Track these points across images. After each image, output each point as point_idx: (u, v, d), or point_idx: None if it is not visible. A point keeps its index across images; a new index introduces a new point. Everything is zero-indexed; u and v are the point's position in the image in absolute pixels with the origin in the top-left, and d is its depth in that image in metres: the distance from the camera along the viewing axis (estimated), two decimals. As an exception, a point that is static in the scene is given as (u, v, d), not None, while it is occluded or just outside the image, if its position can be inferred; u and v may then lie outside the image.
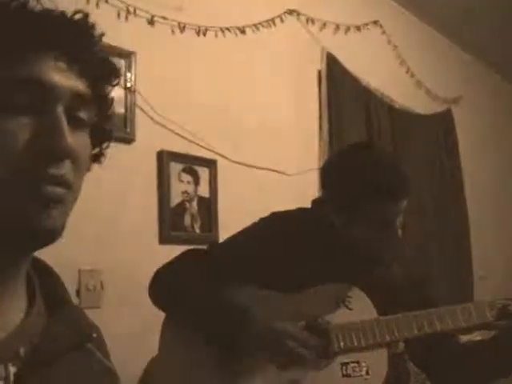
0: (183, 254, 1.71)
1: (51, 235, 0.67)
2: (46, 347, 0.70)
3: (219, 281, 1.63)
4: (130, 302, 2.24)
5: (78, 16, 0.70)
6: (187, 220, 2.50)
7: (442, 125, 4.26)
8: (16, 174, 0.64)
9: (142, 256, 2.32)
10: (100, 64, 0.73)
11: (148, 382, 2.21)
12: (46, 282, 0.77)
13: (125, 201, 2.36)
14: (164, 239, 2.41)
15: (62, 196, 0.66)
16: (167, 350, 1.62)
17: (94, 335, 0.80)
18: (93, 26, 0.72)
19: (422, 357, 1.74)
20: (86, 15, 0.71)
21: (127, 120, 2.33)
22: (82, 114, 0.70)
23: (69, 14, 0.70)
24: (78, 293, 2.15)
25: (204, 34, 2.69)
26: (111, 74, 0.75)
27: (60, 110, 0.67)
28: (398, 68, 3.99)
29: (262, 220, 1.73)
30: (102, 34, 0.73)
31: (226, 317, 1.53)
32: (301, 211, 1.76)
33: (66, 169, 0.66)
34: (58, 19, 0.69)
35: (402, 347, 1.78)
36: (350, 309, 1.60)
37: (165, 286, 1.64)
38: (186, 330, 1.61)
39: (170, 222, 2.43)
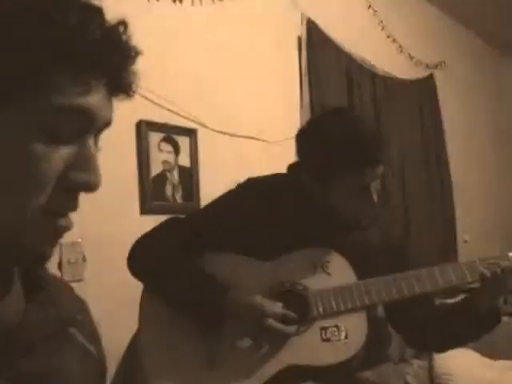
0: (161, 224, 1.70)
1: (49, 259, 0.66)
2: (22, 336, 0.67)
3: (197, 249, 1.63)
4: (112, 274, 2.23)
5: (122, 30, 0.67)
6: (168, 190, 2.49)
7: (424, 90, 4.25)
8: (44, 205, 0.61)
9: (123, 227, 2.30)
10: (132, 82, 0.71)
11: (132, 356, 2.21)
12: None
13: (104, 172, 2.31)
14: (145, 209, 2.40)
15: (71, 225, 0.66)
16: (147, 322, 1.62)
17: (79, 317, 0.78)
18: (133, 43, 0.69)
19: (398, 320, 1.75)
20: (126, 26, 0.68)
21: (104, 90, 2.29)
22: (100, 135, 0.68)
23: (114, 29, 0.66)
24: (59, 266, 2.13)
25: (180, 2, 2.64)
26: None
27: (92, 140, 0.65)
28: (380, 34, 3.96)
29: (239, 186, 1.73)
30: (138, 52, 0.71)
31: (203, 293, 1.53)
32: (277, 176, 1.75)
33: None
34: (113, 42, 0.65)
35: (381, 311, 1.79)
36: (329, 273, 1.60)
37: (142, 258, 1.64)
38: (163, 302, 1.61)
39: (151, 192, 2.41)
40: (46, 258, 0.65)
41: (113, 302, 2.18)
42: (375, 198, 1.57)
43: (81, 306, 0.84)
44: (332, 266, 1.61)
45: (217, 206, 1.71)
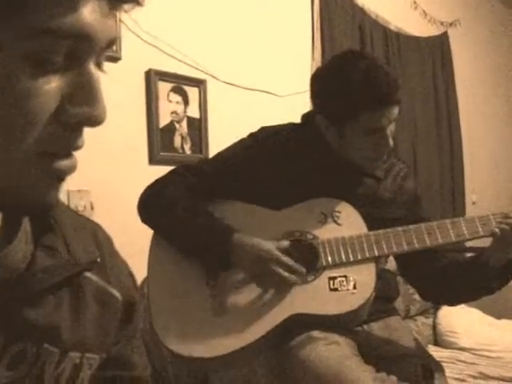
0: (172, 171, 1.69)
1: (54, 206, 0.60)
2: (31, 282, 0.62)
3: (206, 195, 1.62)
4: (120, 223, 2.23)
5: None
6: (177, 141, 2.47)
7: (437, 48, 4.17)
8: (38, 147, 0.53)
9: (131, 177, 2.29)
10: None
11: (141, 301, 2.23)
12: None
13: (112, 121, 2.29)
14: (153, 160, 2.39)
15: (75, 165, 0.57)
16: (155, 269, 1.62)
17: (98, 260, 0.73)
18: None
19: (411, 273, 1.75)
20: None
21: (113, 37, 2.26)
22: (103, 57, 0.58)
23: None
24: (67, 214, 2.13)
25: None
26: None
27: (92, 65, 0.55)
28: (394, -12, 3.87)
29: (252, 135, 1.71)
30: None
31: (210, 235, 1.53)
32: (290, 126, 1.73)
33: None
34: None
35: (390, 264, 1.79)
36: (339, 224, 1.59)
37: (152, 202, 1.63)
38: (173, 249, 1.61)
39: (160, 143, 2.39)
40: (50, 204, 0.58)
41: (121, 250, 2.18)
42: (391, 141, 1.55)
43: (104, 246, 0.79)
44: (343, 217, 1.59)
45: (229, 154, 1.69)
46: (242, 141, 1.70)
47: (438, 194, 3.86)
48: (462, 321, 3.11)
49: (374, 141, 1.54)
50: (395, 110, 1.52)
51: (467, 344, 3.00)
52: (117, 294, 0.77)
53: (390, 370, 1.46)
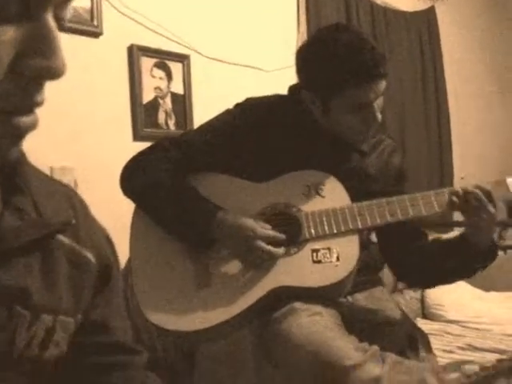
0: (155, 145, 1.67)
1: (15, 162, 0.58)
2: None
3: (189, 169, 1.61)
4: (104, 200, 2.21)
5: None
6: (161, 117, 2.45)
7: (424, 23, 4.13)
8: None
9: (115, 153, 2.26)
10: None
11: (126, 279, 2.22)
12: None
13: (95, 97, 2.29)
14: (138, 136, 2.37)
15: (37, 122, 0.55)
16: (137, 245, 1.61)
17: (73, 221, 0.72)
18: None
19: (390, 252, 1.74)
20: None
21: (93, 12, 2.23)
22: (64, 12, 0.55)
23: None
24: (51, 191, 2.11)
25: None
26: None
27: (50, 17, 0.52)
28: (380, -39, 3.83)
29: (237, 105, 1.68)
30: None
31: (192, 213, 1.52)
32: (277, 97, 1.70)
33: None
34: None
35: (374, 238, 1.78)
36: (323, 196, 1.58)
37: (134, 177, 1.61)
38: (155, 224, 1.60)
39: (143, 119, 2.38)
40: (11, 161, 0.55)
41: (106, 227, 2.16)
42: (379, 116, 1.53)
43: (79, 209, 0.77)
44: (326, 189, 1.58)
45: (213, 126, 1.66)
46: (226, 112, 1.67)
47: (426, 169, 3.86)
48: (450, 294, 3.12)
49: (361, 116, 1.52)
50: (382, 84, 1.50)
51: (455, 317, 3.02)
52: (91, 256, 0.76)
53: (374, 340, 1.46)
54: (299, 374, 1.40)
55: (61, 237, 0.71)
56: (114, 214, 2.13)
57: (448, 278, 1.71)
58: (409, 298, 3.13)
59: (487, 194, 1.50)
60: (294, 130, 1.62)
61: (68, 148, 2.19)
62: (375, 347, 1.40)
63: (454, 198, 1.50)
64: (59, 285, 0.70)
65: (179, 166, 1.59)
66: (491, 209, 1.49)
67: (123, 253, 2.02)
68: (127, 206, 1.67)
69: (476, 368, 0.81)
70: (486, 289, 3.22)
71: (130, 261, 1.63)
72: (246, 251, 1.49)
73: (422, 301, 3.18)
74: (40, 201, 0.69)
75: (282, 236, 1.50)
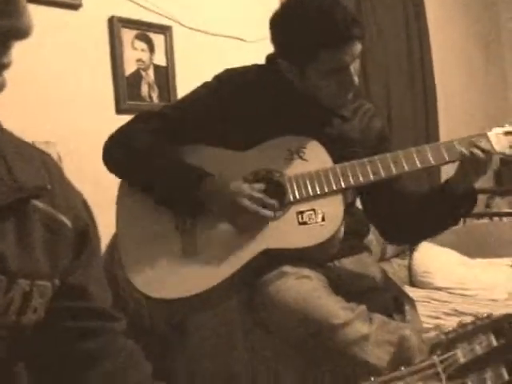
0: (135, 118, 1.67)
1: None
2: None
3: (173, 142, 1.60)
4: (89, 174, 2.21)
5: None
6: (144, 89, 2.43)
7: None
8: None
9: (99, 127, 2.24)
10: None
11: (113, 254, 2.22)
12: None
13: (76, 71, 2.26)
14: (120, 109, 2.35)
15: (4, 84, 0.56)
16: (123, 218, 1.61)
17: (48, 187, 0.72)
18: None
19: (374, 211, 1.75)
20: None
21: (72, -17, 2.19)
22: None
23: None
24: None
25: None
26: None
27: None
28: None
29: (216, 77, 1.68)
30: None
31: (179, 179, 1.52)
32: (255, 67, 1.70)
33: None
34: None
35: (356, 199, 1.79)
36: (305, 159, 1.59)
37: (117, 148, 1.61)
38: (141, 196, 1.60)
39: (126, 92, 2.36)
40: None
41: (91, 201, 2.15)
42: (355, 79, 1.53)
43: (54, 174, 0.77)
44: (308, 153, 1.59)
45: (193, 98, 1.66)
46: (206, 84, 1.68)
47: (411, 137, 3.86)
48: (437, 261, 3.15)
49: (338, 80, 1.52)
50: (357, 47, 1.49)
51: (442, 283, 3.05)
52: (67, 221, 0.75)
53: (361, 303, 1.47)
54: (288, 336, 1.42)
55: (36, 202, 0.71)
56: (99, 187, 2.13)
57: (433, 229, 1.74)
58: (396, 265, 3.16)
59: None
60: (274, 98, 1.62)
61: (51, 122, 2.17)
62: (363, 307, 1.43)
63: (462, 150, 1.51)
64: (35, 249, 0.70)
65: (160, 136, 1.58)
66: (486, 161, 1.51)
67: (109, 226, 2.02)
68: (112, 179, 1.66)
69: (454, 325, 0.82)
70: (472, 256, 3.25)
71: (116, 232, 1.63)
72: (234, 213, 1.49)
73: (410, 269, 3.21)
74: (15, 166, 0.69)
75: (272, 200, 1.50)
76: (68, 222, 0.75)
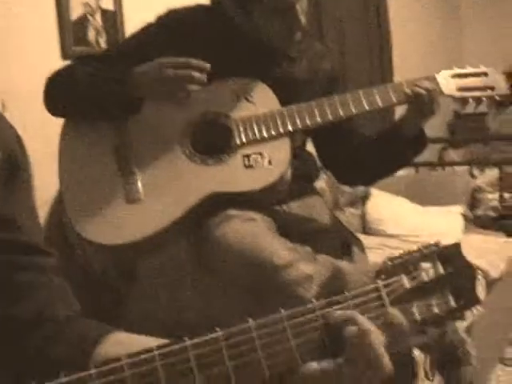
0: (75, 61, 1.64)
1: None
2: None
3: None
4: (35, 121, 2.15)
5: None
6: (91, 34, 2.36)
7: None
8: None
9: (44, 73, 2.18)
10: None
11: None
12: None
13: (20, 14, 2.18)
14: (66, 55, 2.28)
15: None
16: (66, 163, 1.57)
17: None
18: None
19: (326, 153, 1.76)
20: None
21: None
22: None
23: None
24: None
25: None
26: None
27: None
28: None
29: (159, 18, 1.64)
30: None
31: (109, 78, 1.49)
32: (199, 8, 1.67)
33: None
34: None
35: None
36: (252, 102, 1.57)
37: (56, 90, 1.59)
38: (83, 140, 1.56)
39: (72, 37, 2.29)
40: None
41: (36, 150, 2.09)
42: (302, 19, 1.50)
43: None
44: (256, 95, 1.57)
45: (135, 39, 1.63)
46: (148, 25, 1.63)
47: (366, 73, 3.85)
48: (390, 209, 3.20)
49: (284, 20, 1.51)
50: None
51: (395, 231, 3.10)
52: None
53: (307, 246, 1.48)
54: (234, 278, 1.42)
55: None
56: (45, 135, 2.07)
57: (385, 170, 1.76)
58: (350, 214, 3.19)
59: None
60: (218, 40, 1.59)
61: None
62: (307, 248, 1.43)
63: (409, 91, 1.51)
64: None
65: (100, 74, 1.54)
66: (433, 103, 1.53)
67: (55, 176, 1.98)
68: (58, 126, 1.62)
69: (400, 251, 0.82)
70: (424, 204, 3.30)
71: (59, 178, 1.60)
72: (170, 86, 1.46)
73: (363, 217, 3.25)
74: None
75: (203, 63, 1.45)
76: None
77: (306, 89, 1.64)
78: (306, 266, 1.38)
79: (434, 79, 1.57)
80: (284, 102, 1.56)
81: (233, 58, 1.57)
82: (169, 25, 1.60)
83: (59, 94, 1.58)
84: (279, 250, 1.39)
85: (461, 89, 1.61)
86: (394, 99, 1.54)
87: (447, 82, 1.60)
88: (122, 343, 0.73)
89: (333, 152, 1.72)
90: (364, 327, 0.71)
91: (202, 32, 1.59)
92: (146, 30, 1.62)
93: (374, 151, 1.65)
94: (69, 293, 0.84)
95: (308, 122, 1.53)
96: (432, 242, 0.84)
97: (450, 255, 0.81)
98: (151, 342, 0.70)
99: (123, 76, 1.47)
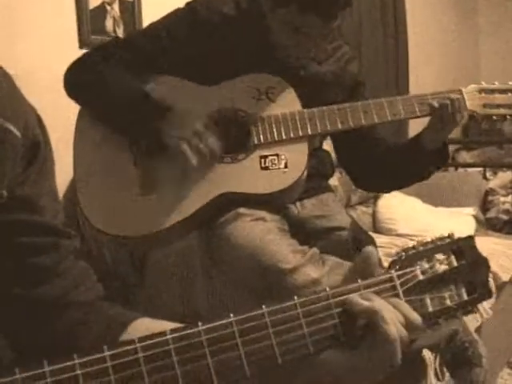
0: (101, 45, 1.62)
1: None
2: None
3: (140, 72, 1.55)
4: (49, 109, 2.15)
5: None
6: (109, 24, 2.36)
7: None
8: None
9: (61, 61, 2.18)
10: None
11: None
12: None
13: (38, 4, 2.19)
14: (84, 44, 2.28)
15: None
16: (81, 151, 1.57)
17: None
18: None
19: (346, 158, 1.74)
20: None
21: None
22: None
23: None
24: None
25: None
26: None
27: None
28: None
29: (189, 4, 1.62)
30: None
31: (142, 110, 1.48)
32: None
33: None
34: None
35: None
36: (273, 101, 1.55)
37: (80, 73, 1.57)
38: (99, 130, 1.56)
39: (90, 26, 2.29)
40: None
41: (52, 136, 2.11)
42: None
43: (3, 83, 0.77)
44: (277, 94, 1.55)
45: (162, 26, 1.61)
46: (178, 12, 1.62)
47: (381, 79, 3.84)
48: (401, 208, 3.18)
49: (317, 22, 1.47)
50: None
51: (405, 230, 3.09)
52: (15, 130, 0.73)
53: (318, 243, 1.47)
54: (242, 278, 1.42)
55: None
56: (61, 122, 2.08)
57: (403, 181, 1.75)
58: (361, 212, 3.18)
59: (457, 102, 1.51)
60: (245, 33, 1.57)
61: (12, 56, 2.10)
62: (314, 250, 1.42)
63: (434, 103, 1.49)
64: None
65: (127, 65, 1.53)
66: (458, 117, 1.51)
67: (69, 166, 1.99)
68: (72, 115, 1.62)
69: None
70: (435, 204, 3.29)
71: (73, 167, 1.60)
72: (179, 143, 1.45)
73: (374, 216, 3.24)
74: None
75: (215, 147, 1.45)
76: (16, 132, 0.73)
77: (330, 91, 1.62)
78: (314, 271, 1.38)
79: (459, 93, 1.55)
80: (306, 103, 1.55)
81: (257, 54, 1.56)
82: (198, 13, 1.58)
83: (86, 94, 1.57)
84: (286, 253, 1.38)
85: (486, 105, 1.59)
86: (418, 111, 1.52)
87: (473, 96, 1.58)
88: (148, 329, 0.73)
89: (353, 157, 1.71)
90: (380, 307, 0.70)
91: (229, 24, 1.57)
92: (175, 17, 1.60)
93: (394, 161, 1.63)
94: (93, 277, 0.84)
95: (328, 127, 1.51)
96: (446, 234, 0.83)
97: (463, 247, 0.81)
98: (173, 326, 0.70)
99: (159, 116, 1.46)
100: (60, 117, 2.11)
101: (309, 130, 1.52)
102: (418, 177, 1.72)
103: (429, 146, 1.57)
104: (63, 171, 2.19)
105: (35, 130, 0.78)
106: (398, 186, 1.80)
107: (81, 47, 2.29)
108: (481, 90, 1.59)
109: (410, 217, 3.15)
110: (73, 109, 1.63)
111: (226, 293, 1.71)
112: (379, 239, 2.89)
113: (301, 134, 1.51)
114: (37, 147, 0.78)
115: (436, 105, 1.50)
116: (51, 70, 2.15)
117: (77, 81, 1.55)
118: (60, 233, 0.81)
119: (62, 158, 2.02)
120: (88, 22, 2.29)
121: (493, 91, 1.60)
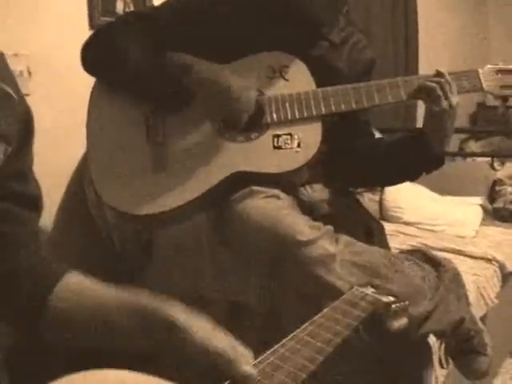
0: (118, 18, 1.60)
1: None
2: None
3: (158, 42, 1.53)
4: (59, 90, 2.15)
5: None
6: (119, 6, 2.34)
7: None
8: None
9: (71, 41, 2.16)
10: None
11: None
12: None
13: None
14: (94, 25, 2.27)
15: None
16: (94, 129, 1.55)
17: None
18: None
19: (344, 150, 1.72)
20: None
21: None
22: None
23: None
24: (2, 79, 2.03)
25: None
26: None
27: None
28: None
29: None
30: None
31: (167, 67, 1.46)
32: None
33: None
34: None
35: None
36: (287, 79, 1.54)
37: (101, 50, 1.53)
38: (113, 107, 1.54)
39: (100, 7, 2.27)
40: None
41: (60, 118, 2.11)
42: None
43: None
44: (291, 72, 1.53)
45: (182, 2, 1.58)
46: None
47: (391, 63, 3.82)
48: (408, 197, 3.17)
49: None
50: None
51: (412, 218, 3.09)
52: (13, 93, 0.79)
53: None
54: (254, 253, 1.41)
55: None
56: (69, 104, 2.08)
57: (392, 180, 1.76)
58: (368, 200, 3.17)
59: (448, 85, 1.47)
60: (263, 10, 1.55)
61: (23, 35, 2.10)
62: (329, 227, 1.42)
63: (427, 83, 1.46)
64: None
65: (146, 38, 1.51)
66: (452, 100, 1.46)
67: (79, 146, 1.98)
68: (84, 97, 1.61)
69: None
70: (443, 193, 3.28)
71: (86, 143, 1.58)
72: (222, 106, 1.45)
73: (380, 203, 3.24)
74: None
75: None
76: (14, 95, 0.80)
77: (343, 78, 1.59)
78: (328, 245, 1.37)
79: (476, 73, 1.52)
80: (319, 81, 1.53)
81: (274, 31, 1.54)
82: None
83: (107, 65, 1.53)
84: (302, 226, 1.38)
85: (504, 86, 1.54)
86: None
87: (490, 77, 1.53)
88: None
89: (348, 152, 1.67)
90: None
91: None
92: None
93: (389, 156, 1.61)
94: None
95: (343, 106, 1.49)
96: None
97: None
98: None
99: (185, 70, 1.44)
100: (68, 96, 2.11)
101: (323, 110, 1.50)
102: (408, 176, 1.71)
103: (430, 144, 1.52)
104: (70, 155, 2.19)
105: (29, 119, 0.86)
106: (386, 183, 1.76)
107: (91, 28, 2.28)
108: (498, 71, 1.54)
109: (417, 205, 3.15)
110: (85, 88, 1.62)
111: (233, 270, 1.70)
112: (386, 227, 2.88)
113: (314, 113, 1.50)
114: (30, 132, 0.86)
115: (425, 85, 1.46)
116: (62, 52, 2.15)
117: (98, 50, 1.53)
118: (38, 205, 0.89)
119: (69, 140, 2.03)
120: (99, 3, 2.27)
121: (510, 72, 1.54)
